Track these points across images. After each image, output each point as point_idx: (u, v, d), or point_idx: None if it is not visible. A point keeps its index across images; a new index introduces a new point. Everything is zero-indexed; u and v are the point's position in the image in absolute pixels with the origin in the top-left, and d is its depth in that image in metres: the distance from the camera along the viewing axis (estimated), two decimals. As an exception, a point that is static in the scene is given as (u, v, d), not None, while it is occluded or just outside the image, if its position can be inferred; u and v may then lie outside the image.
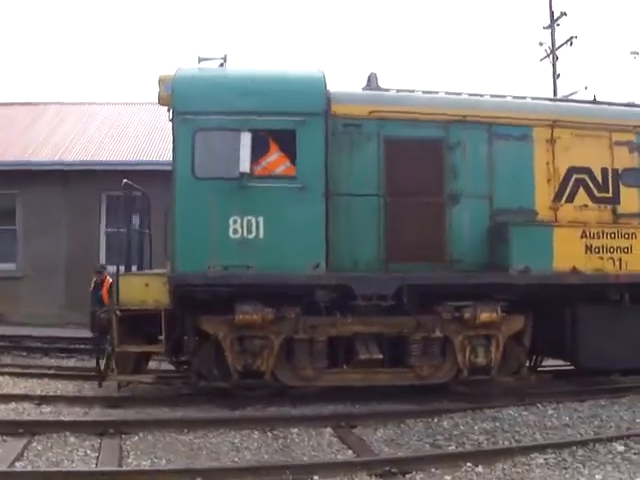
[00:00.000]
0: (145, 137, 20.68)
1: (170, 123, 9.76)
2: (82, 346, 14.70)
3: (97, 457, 7.37)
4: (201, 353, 9.91)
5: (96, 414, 9.30)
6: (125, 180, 10.43)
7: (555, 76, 22.98)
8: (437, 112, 10.48)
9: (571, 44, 22.47)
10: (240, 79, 9.94)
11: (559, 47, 22.96)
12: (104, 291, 11.67)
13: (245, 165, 9.34)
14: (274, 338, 9.69)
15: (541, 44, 23.54)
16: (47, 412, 9.32)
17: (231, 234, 9.48)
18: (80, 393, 10.53)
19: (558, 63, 22.97)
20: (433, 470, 7.05)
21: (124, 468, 6.88)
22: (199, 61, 10.30)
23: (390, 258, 10.16)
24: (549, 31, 23.33)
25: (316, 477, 6.73)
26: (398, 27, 59.22)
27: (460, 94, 11.06)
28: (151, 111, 20.95)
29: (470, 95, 11.11)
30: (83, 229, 18.73)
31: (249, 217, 9.49)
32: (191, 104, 9.62)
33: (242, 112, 9.52)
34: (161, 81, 10.49)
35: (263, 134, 9.59)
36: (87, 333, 13.44)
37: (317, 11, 60.50)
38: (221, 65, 10.28)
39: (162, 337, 9.63)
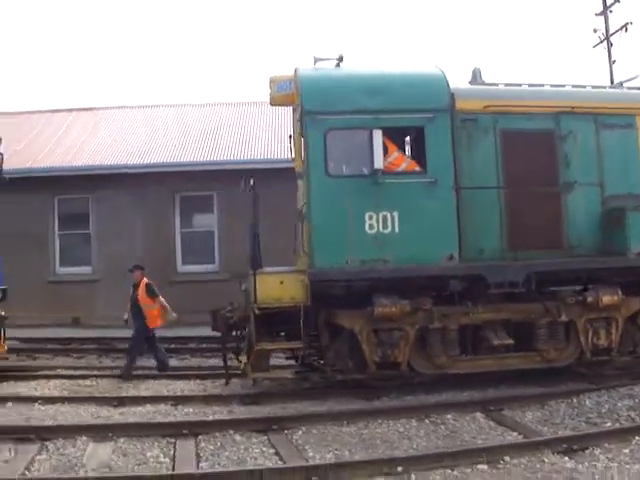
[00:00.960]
0: (212, 137, 20.95)
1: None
2: (178, 346, 15.02)
3: (276, 452, 7.57)
4: (335, 347, 10.19)
5: (242, 412, 9.51)
6: (251, 179, 10.62)
7: (611, 62, 23.17)
8: (547, 104, 10.77)
9: (626, 30, 22.67)
10: (366, 78, 10.25)
11: (613, 33, 23.12)
12: (140, 291, 12.07)
13: (379, 162, 9.63)
14: (409, 329, 9.99)
15: (595, 31, 23.77)
16: (192, 412, 9.51)
17: (367, 229, 9.79)
18: (210, 392, 10.72)
19: (613, 49, 23.15)
20: (606, 445, 7.38)
21: (341, 460, 7.07)
22: (315, 61, 10.57)
23: (511, 247, 10.44)
24: (602, 18, 23.49)
25: (507, 458, 7.04)
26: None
27: (564, 86, 11.36)
28: (214, 110, 21.39)
29: (573, 87, 11.40)
30: (158, 230, 19.00)
31: (384, 212, 9.79)
32: (321, 104, 9.91)
33: (371, 111, 9.80)
34: (272, 82, 10.91)
35: (393, 131, 9.88)
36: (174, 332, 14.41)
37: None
38: (337, 65, 10.53)
39: (302, 332, 9.85)
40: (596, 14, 23.93)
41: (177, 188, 19.23)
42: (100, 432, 8.12)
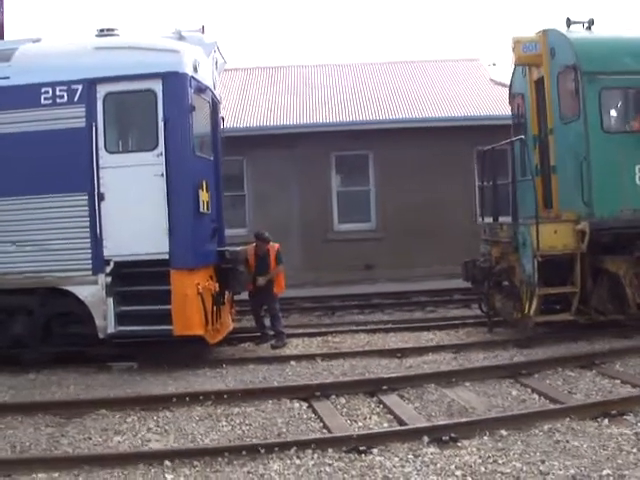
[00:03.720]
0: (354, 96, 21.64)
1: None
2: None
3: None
4: (598, 291, 11.03)
5: (537, 353, 10.31)
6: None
7: None
8: None
9: None
10: (632, 42, 10.98)
11: None
12: (272, 258, 11.93)
13: (648, 119, 10.41)
14: (665, 272, 10.83)
15: None
16: (481, 358, 10.34)
17: (637, 181, 10.58)
18: (489, 339, 11.52)
19: None
20: None
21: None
22: (568, 24, 11.24)
23: None
24: None
25: None
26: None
27: None
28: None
29: None
30: (314, 190, 19.75)
31: (652, 165, 10.57)
32: (597, 65, 10.62)
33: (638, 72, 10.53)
34: (518, 42, 11.57)
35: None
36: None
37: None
38: (588, 28, 11.20)
39: (577, 278, 10.70)
40: None
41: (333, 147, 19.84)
42: (443, 379, 9.00)
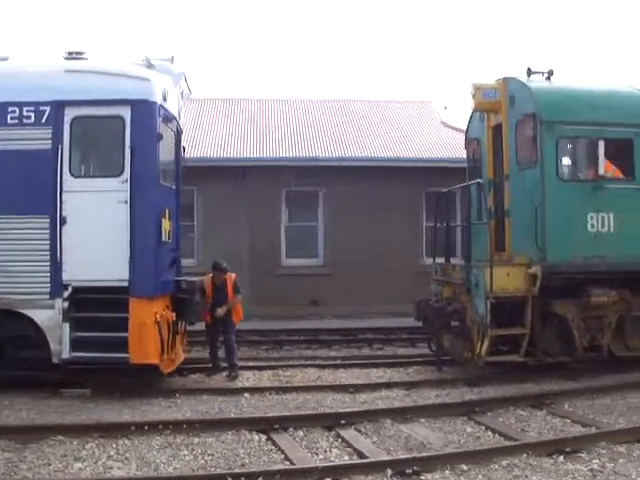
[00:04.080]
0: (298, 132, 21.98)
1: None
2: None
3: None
4: (547, 333, 11.42)
5: (475, 393, 10.57)
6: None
7: None
8: None
9: None
10: (591, 94, 11.52)
11: None
12: (230, 288, 11.91)
13: (602, 169, 10.93)
14: (612, 316, 11.31)
15: None
16: (433, 396, 10.53)
17: (589, 228, 11.07)
18: (438, 377, 11.72)
19: None
20: None
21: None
22: (529, 74, 11.78)
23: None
24: None
25: None
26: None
27: None
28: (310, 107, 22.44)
29: None
30: (264, 224, 19.86)
31: (602, 214, 11.09)
32: (555, 115, 11.12)
33: (595, 123, 11.08)
34: (478, 89, 12.06)
35: (610, 142, 11.15)
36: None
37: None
38: (547, 78, 11.76)
39: (527, 320, 11.06)
40: None
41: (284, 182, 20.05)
42: (399, 415, 9.17)
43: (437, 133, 22.52)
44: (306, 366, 12.75)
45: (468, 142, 13.75)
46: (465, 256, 11.73)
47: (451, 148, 20.72)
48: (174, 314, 10.92)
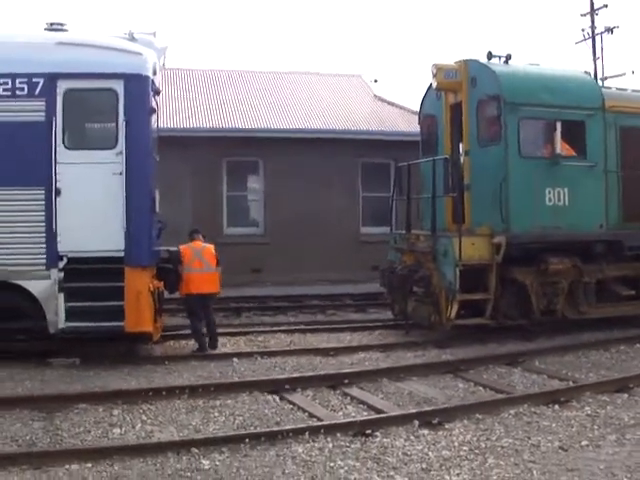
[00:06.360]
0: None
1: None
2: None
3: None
4: (507, 297, 12.44)
5: (449, 354, 11.44)
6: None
7: (595, 59, 26.72)
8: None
9: (611, 32, 26.18)
10: (547, 78, 12.51)
11: (599, 34, 26.56)
12: (209, 255, 11.74)
13: (558, 148, 11.98)
14: (565, 282, 12.48)
15: (583, 30, 27.20)
16: (407, 357, 11.31)
17: (547, 202, 12.14)
18: (409, 339, 12.48)
19: (598, 48, 26.54)
20: None
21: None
22: (489, 57, 12.63)
23: (625, 219, 13.15)
24: (585, 18, 26.85)
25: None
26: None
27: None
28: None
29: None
30: (206, 194, 20.07)
31: (558, 189, 12.18)
32: (518, 97, 12.03)
33: (554, 105, 12.10)
34: (439, 69, 12.84)
35: (566, 124, 12.19)
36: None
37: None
38: (506, 62, 12.62)
39: (491, 286, 12.05)
40: (581, 14, 27.40)
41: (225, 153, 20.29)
42: (393, 374, 9.93)
43: (370, 106, 23.26)
44: (275, 332, 13.31)
45: (423, 117, 14.50)
46: (432, 226, 12.50)
47: (385, 121, 21.52)
48: (161, 283, 11.20)
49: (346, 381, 9.47)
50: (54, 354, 10.71)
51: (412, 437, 7.34)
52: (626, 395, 8.83)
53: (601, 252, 12.82)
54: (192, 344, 11.89)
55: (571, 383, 9.44)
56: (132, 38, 11.18)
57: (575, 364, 10.64)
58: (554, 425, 7.67)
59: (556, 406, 8.36)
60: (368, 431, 7.37)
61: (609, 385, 9.10)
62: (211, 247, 12.08)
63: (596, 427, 7.60)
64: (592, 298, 12.83)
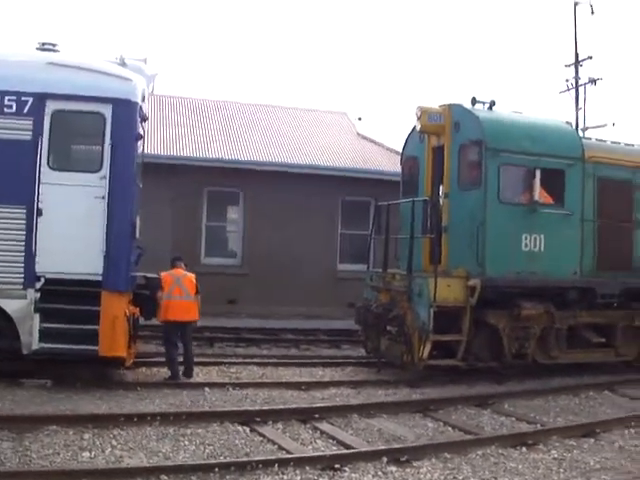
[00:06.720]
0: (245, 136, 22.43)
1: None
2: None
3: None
4: (480, 339, 12.57)
5: (419, 393, 11.52)
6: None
7: (577, 109, 27.25)
8: (628, 159, 13.84)
9: (595, 83, 26.76)
10: (529, 126, 12.79)
11: (583, 84, 27.07)
12: (189, 284, 11.76)
13: (537, 195, 12.23)
14: (537, 327, 12.64)
15: (567, 80, 27.78)
16: (379, 394, 11.36)
17: (523, 247, 12.35)
18: (379, 378, 12.52)
19: (581, 99, 27.04)
20: None
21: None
22: (473, 103, 12.91)
23: (598, 267, 13.41)
24: (572, 69, 27.41)
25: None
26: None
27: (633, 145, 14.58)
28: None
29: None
30: (186, 222, 20.11)
31: (535, 235, 12.40)
32: (500, 143, 12.29)
33: (534, 153, 12.36)
34: (424, 112, 13.09)
35: (546, 172, 12.45)
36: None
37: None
38: (490, 108, 12.89)
39: (464, 328, 12.17)
40: (566, 65, 28.04)
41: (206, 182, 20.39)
42: (364, 410, 9.98)
43: (353, 143, 23.55)
44: (248, 364, 13.31)
45: (405, 159, 14.72)
46: (408, 267, 12.63)
47: (366, 159, 21.80)
48: (137, 309, 11.20)
49: (317, 415, 9.50)
50: (26, 375, 10.64)
51: (380, 473, 7.40)
52: (592, 440, 8.96)
53: (574, 299, 13.01)
54: (164, 371, 11.86)
55: (539, 426, 9.56)
56: (123, 63, 11.32)
57: (544, 408, 10.76)
58: (520, 467, 7.76)
59: (523, 448, 8.47)
60: (337, 465, 7.42)
61: (576, 430, 9.21)
62: (192, 276, 12.11)
63: (562, 470, 7.71)
64: (563, 344, 12.98)
